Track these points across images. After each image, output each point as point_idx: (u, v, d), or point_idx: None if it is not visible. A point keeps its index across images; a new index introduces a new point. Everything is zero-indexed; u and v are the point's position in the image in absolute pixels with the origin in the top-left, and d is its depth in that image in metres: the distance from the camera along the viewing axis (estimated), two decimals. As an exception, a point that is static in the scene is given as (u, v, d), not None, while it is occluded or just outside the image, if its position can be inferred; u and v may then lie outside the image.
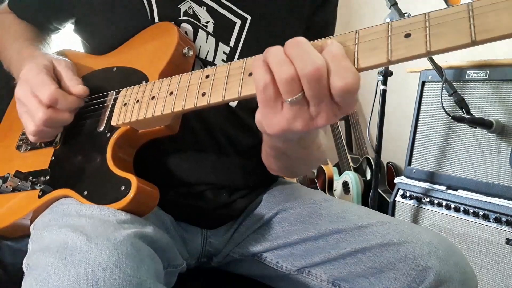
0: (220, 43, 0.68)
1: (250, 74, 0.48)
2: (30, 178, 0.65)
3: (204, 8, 0.67)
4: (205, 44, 0.68)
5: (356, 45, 0.42)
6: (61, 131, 0.66)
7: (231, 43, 0.69)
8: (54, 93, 0.59)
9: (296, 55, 0.40)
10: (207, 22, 0.67)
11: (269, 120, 0.44)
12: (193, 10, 0.67)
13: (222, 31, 0.68)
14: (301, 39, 0.41)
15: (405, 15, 1.38)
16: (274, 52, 0.42)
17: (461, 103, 1.29)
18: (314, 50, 0.40)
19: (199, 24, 0.67)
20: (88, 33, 0.75)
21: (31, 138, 0.64)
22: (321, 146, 0.64)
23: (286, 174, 0.72)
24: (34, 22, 0.78)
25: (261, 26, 0.69)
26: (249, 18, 0.69)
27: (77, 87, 0.62)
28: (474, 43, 0.36)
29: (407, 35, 0.39)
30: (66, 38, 0.83)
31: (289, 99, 0.41)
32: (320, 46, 0.42)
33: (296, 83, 0.40)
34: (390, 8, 1.40)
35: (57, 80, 0.63)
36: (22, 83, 0.62)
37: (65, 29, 0.81)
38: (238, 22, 0.68)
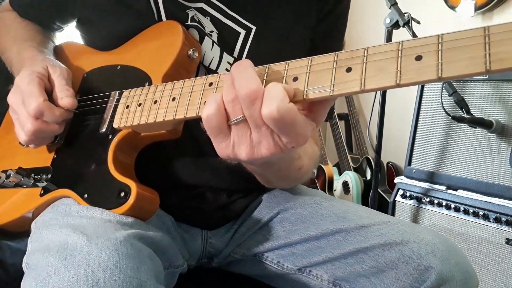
0: (225, 53, 0.68)
1: None
2: (33, 175, 0.65)
3: (208, 18, 0.67)
4: (210, 51, 0.67)
5: (364, 64, 0.40)
6: (52, 140, 0.66)
7: (235, 54, 0.68)
8: (40, 106, 0.58)
9: (236, 77, 0.42)
10: (211, 31, 0.67)
11: (217, 146, 0.46)
12: (198, 18, 0.66)
13: (226, 42, 0.68)
14: (243, 62, 0.43)
15: (405, 15, 1.38)
16: (224, 77, 0.44)
17: (461, 103, 1.29)
18: (254, 74, 0.42)
19: (205, 31, 0.67)
20: (91, 32, 0.74)
21: (25, 146, 0.64)
22: (302, 167, 0.63)
23: (269, 186, 0.71)
24: (36, 21, 0.78)
25: (265, 36, 0.69)
26: (254, 28, 0.68)
27: (64, 100, 0.61)
28: (488, 72, 0.34)
29: (418, 58, 0.37)
30: (68, 31, 0.82)
31: (232, 120, 0.43)
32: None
33: (238, 105, 0.42)
34: (390, 8, 1.40)
35: (51, 87, 0.63)
36: (14, 91, 0.62)
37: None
38: (243, 33, 0.68)
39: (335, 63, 0.41)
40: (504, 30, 0.34)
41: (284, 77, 0.44)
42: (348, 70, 0.40)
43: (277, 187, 0.72)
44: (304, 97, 0.42)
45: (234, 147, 0.44)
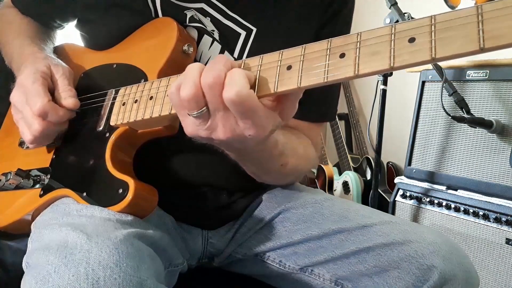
0: (226, 52, 0.68)
1: None
2: (32, 176, 0.65)
3: (209, 18, 0.67)
4: (208, 50, 0.67)
5: (358, 49, 0.40)
6: (51, 141, 0.66)
7: (235, 54, 0.68)
8: (45, 106, 0.58)
9: (208, 67, 0.45)
10: (213, 31, 0.67)
11: (183, 123, 0.48)
12: (198, 18, 0.66)
13: (227, 42, 0.68)
14: (220, 57, 0.46)
15: (405, 15, 1.38)
16: (188, 69, 0.46)
17: (461, 103, 1.29)
18: (219, 65, 0.44)
19: (206, 28, 0.67)
20: (90, 31, 0.74)
21: (29, 145, 0.64)
22: (286, 165, 0.64)
23: (257, 179, 0.70)
24: (36, 18, 0.78)
25: (266, 38, 0.68)
26: (255, 30, 0.68)
27: (68, 100, 0.62)
28: (482, 50, 0.34)
29: (411, 40, 0.37)
30: (68, 31, 0.82)
31: (193, 113, 0.45)
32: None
33: (196, 102, 0.44)
34: (390, 8, 1.40)
35: (54, 87, 0.63)
36: (18, 89, 0.62)
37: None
38: (243, 34, 0.68)
39: (328, 50, 0.42)
40: (497, 7, 0.33)
41: (278, 67, 0.44)
42: (342, 55, 0.41)
43: (264, 181, 0.71)
44: (299, 85, 0.42)
45: (195, 127, 0.47)
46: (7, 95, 0.82)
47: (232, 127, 0.45)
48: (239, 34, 0.68)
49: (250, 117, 0.43)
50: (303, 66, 0.43)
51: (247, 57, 0.67)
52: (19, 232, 0.69)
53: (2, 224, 0.67)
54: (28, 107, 0.59)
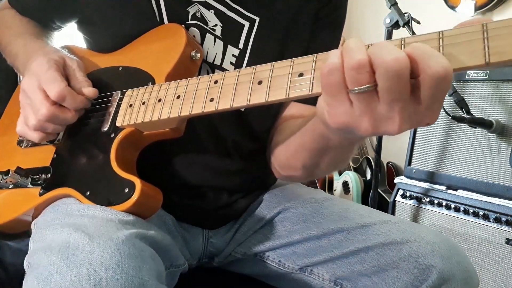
0: (229, 46, 0.68)
1: (260, 82, 0.48)
2: (31, 175, 0.65)
3: (212, 11, 0.67)
4: (213, 48, 0.67)
5: None
6: (62, 130, 0.66)
7: (240, 46, 0.68)
8: (63, 90, 0.59)
9: (376, 46, 0.37)
10: (215, 25, 0.67)
11: (333, 110, 0.40)
12: (201, 13, 0.66)
13: (230, 34, 0.68)
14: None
15: (405, 15, 1.38)
16: (351, 40, 0.38)
17: (461, 103, 1.29)
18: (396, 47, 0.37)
19: (206, 27, 0.67)
20: (93, 32, 0.74)
21: (30, 133, 0.62)
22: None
23: (304, 174, 0.65)
24: (35, 19, 0.77)
25: (269, 27, 0.69)
26: (257, 19, 0.68)
27: (88, 89, 0.63)
28: (488, 64, 0.36)
29: None
30: (66, 33, 0.82)
31: (354, 89, 0.37)
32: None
33: (366, 72, 0.36)
34: (390, 8, 1.40)
35: (66, 78, 0.63)
36: (31, 76, 0.61)
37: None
38: (247, 25, 0.68)
39: None
40: (501, 25, 0.36)
41: (290, 74, 0.45)
42: None
43: (314, 173, 0.65)
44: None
45: (354, 117, 0.39)
46: (7, 95, 0.82)
47: (410, 115, 0.37)
48: (243, 26, 0.68)
49: (444, 96, 0.36)
50: (315, 74, 0.44)
51: (251, 46, 0.68)
52: (17, 231, 0.68)
53: (0, 222, 0.67)
54: (40, 92, 0.59)
